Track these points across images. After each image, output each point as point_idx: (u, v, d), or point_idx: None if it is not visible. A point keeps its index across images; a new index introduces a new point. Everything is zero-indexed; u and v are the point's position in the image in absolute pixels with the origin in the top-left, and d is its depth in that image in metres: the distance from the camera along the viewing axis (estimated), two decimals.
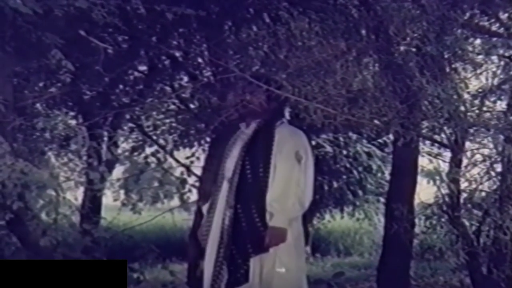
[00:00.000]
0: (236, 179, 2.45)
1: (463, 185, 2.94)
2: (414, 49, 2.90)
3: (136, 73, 4.70)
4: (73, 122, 4.33)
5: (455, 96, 2.86)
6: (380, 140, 6.22)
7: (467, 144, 3.05)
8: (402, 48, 2.91)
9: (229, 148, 2.54)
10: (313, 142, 6.35)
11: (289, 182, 2.41)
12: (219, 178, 2.52)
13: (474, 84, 3.18)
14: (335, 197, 6.40)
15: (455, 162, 2.98)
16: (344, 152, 6.11)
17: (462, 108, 2.91)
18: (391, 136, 3.60)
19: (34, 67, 2.24)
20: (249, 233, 2.40)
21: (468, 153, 2.97)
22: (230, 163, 2.48)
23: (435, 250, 3.03)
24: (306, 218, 6.93)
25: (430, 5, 2.63)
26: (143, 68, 4.71)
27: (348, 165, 6.16)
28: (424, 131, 3.14)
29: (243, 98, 2.53)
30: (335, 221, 7.87)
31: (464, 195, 2.94)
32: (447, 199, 2.93)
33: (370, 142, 6.33)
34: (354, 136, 6.15)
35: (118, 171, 3.72)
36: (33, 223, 2.04)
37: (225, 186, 2.48)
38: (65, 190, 2.03)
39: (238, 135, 2.55)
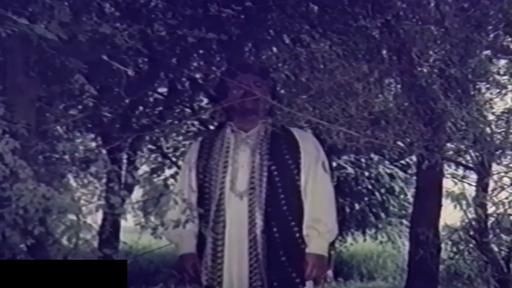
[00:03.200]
0: (260, 194, 1.99)
1: (491, 209, 2.86)
2: (437, 71, 2.86)
3: (156, 95, 4.75)
4: (92, 144, 4.37)
5: (481, 118, 2.79)
6: (402, 162, 6.15)
7: (494, 167, 2.97)
8: (425, 70, 2.87)
9: (227, 156, 2.07)
10: (334, 164, 6.33)
11: (330, 199, 2.06)
12: (217, 194, 2.03)
13: (499, 105, 3.11)
14: (357, 220, 6.32)
15: (482, 186, 2.90)
16: (366, 173, 6.05)
17: (488, 131, 2.84)
18: (413, 158, 3.55)
19: (57, 92, 2.26)
20: (291, 262, 1.97)
21: (495, 176, 2.88)
22: (242, 174, 2.04)
23: (464, 277, 2.93)
24: None
25: (453, 27, 2.60)
26: (163, 90, 4.76)
27: (370, 187, 6.10)
28: (450, 153, 3.08)
29: (248, 91, 2.07)
30: (357, 244, 7.75)
31: (492, 219, 2.85)
32: (474, 223, 2.85)
33: (393, 164, 6.27)
34: (376, 158, 6.10)
35: (137, 194, 3.71)
36: (54, 248, 2.02)
37: (237, 202, 2.01)
38: (86, 214, 2.00)
39: (237, 140, 2.09)
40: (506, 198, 2.75)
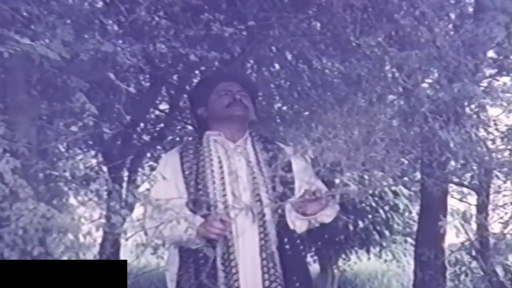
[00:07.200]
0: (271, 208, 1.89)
1: (493, 229, 2.82)
2: (426, 93, 2.82)
3: (157, 112, 4.75)
4: (93, 161, 4.35)
5: (475, 138, 2.75)
6: (406, 179, 6.08)
7: (497, 185, 2.94)
8: (414, 93, 2.84)
9: (221, 167, 1.96)
10: (337, 181, 6.20)
11: None
12: (221, 209, 1.91)
13: (505, 123, 3.09)
14: (361, 238, 6.21)
15: (480, 206, 2.86)
16: (370, 190, 5.98)
17: (484, 150, 2.81)
18: (417, 175, 3.54)
19: (59, 110, 2.26)
20: (300, 278, 1.88)
21: (493, 196, 2.86)
22: (242, 186, 1.95)
23: None
24: (332, 259, 6.76)
25: (443, 49, 2.55)
26: (164, 107, 4.75)
27: (374, 204, 6.02)
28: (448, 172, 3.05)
29: (237, 99, 2.03)
30: (361, 262, 7.57)
31: (495, 240, 2.82)
32: (476, 243, 2.81)
33: (396, 180, 6.19)
34: (380, 174, 6.03)
35: (137, 211, 3.69)
36: None
37: (243, 217, 1.90)
38: (86, 234, 1.99)
39: (227, 150, 1.98)
40: (501, 217, 2.72)
